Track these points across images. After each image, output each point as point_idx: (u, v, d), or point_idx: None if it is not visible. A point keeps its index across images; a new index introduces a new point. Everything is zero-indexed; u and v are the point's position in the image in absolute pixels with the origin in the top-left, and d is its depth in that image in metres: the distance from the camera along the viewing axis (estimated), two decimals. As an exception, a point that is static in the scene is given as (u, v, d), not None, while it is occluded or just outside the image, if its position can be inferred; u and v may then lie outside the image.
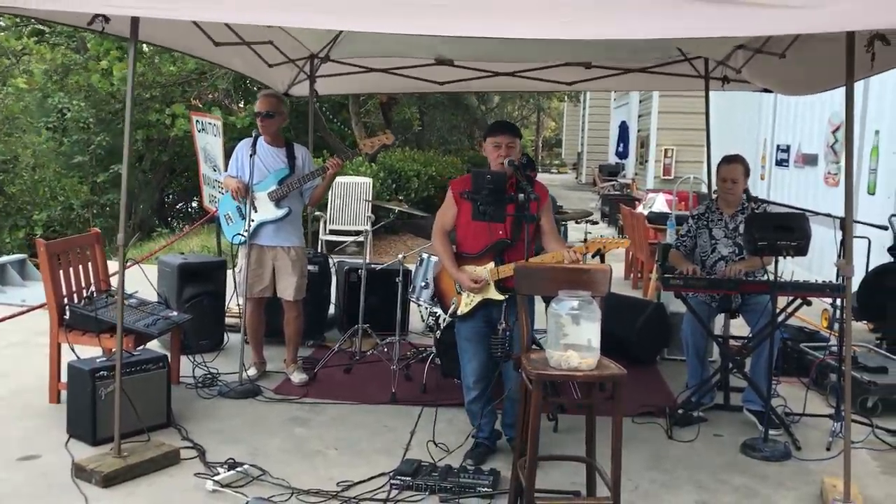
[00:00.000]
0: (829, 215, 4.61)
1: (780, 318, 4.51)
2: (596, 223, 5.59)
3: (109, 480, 3.66)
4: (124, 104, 13.83)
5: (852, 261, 3.67)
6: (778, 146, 10.33)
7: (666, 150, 15.46)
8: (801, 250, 4.19)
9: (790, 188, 9.88)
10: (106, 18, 3.81)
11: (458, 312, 4.10)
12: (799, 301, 4.52)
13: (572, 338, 3.22)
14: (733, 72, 5.89)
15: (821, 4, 3.00)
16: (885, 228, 5.25)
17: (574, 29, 3.06)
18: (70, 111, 13.84)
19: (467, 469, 3.93)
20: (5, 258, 8.22)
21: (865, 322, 6.80)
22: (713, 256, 5.02)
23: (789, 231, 4.17)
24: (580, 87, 6.95)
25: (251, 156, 4.92)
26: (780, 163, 10.21)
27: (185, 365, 5.33)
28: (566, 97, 33.91)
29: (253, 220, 5.02)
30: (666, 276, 4.65)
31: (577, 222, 5.46)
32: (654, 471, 4.12)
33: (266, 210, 5.05)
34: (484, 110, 31.83)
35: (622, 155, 21.62)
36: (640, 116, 17.95)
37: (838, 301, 6.90)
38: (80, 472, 3.72)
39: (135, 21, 3.80)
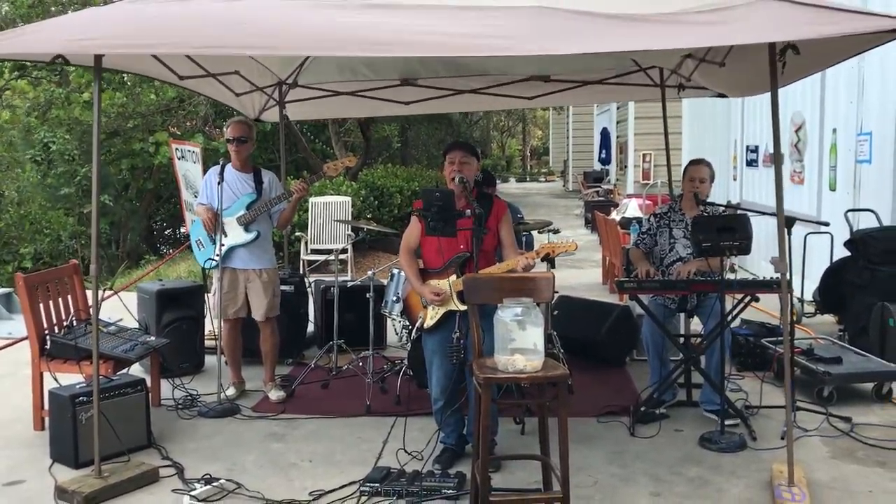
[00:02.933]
0: (772, 214, 4.80)
1: (730, 317, 4.70)
2: (557, 231, 5.79)
3: (90, 501, 3.83)
4: (108, 135, 14.14)
5: (786, 258, 3.87)
6: (747, 147, 10.56)
7: (644, 155, 15.71)
8: (744, 250, 4.40)
9: (760, 187, 10.11)
10: (66, 60, 4.04)
11: (425, 326, 4.30)
12: (748, 298, 4.72)
13: (519, 342, 3.41)
14: (686, 79, 6.10)
15: (733, 20, 3.31)
16: (827, 224, 5.45)
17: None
18: (55, 144, 14.04)
19: (434, 473, 4.10)
20: (-9, 292, 8.39)
21: (832, 315, 7.02)
22: (671, 256, 5.21)
23: (731, 232, 4.37)
24: (540, 101, 7.17)
25: (219, 183, 5.12)
26: (750, 163, 10.43)
27: (167, 388, 5.50)
28: (550, 106, 34.18)
29: (224, 245, 5.21)
30: (619, 280, 4.85)
31: (539, 231, 5.67)
32: (613, 466, 4.30)
33: (236, 234, 5.24)
34: (468, 123, 32.13)
35: (604, 161, 21.89)
36: (618, 122, 18.22)
37: (798, 296, 7.16)
38: (62, 494, 3.90)
39: (98, 60, 4.00)
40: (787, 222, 4.79)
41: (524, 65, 6.42)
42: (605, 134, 22.04)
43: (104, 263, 15.24)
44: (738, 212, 4.93)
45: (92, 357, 4.67)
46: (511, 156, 52.85)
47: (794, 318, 7.31)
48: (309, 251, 9.74)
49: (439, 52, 3.46)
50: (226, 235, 5.23)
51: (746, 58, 4.66)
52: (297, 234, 9.70)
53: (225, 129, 5.57)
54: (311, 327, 6.89)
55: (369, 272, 5.63)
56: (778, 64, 3.77)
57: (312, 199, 10.35)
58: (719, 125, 12.13)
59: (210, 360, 6.21)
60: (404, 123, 21.37)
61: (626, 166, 16.85)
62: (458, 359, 3.84)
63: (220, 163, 5.21)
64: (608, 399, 5.31)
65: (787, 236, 4.75)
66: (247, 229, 5.25)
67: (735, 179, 11.15)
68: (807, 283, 7.19)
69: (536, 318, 3.40)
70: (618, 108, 18.17)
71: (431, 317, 4.22)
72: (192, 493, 3.90)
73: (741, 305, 4.76)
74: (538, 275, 3.61)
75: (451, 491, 3.91)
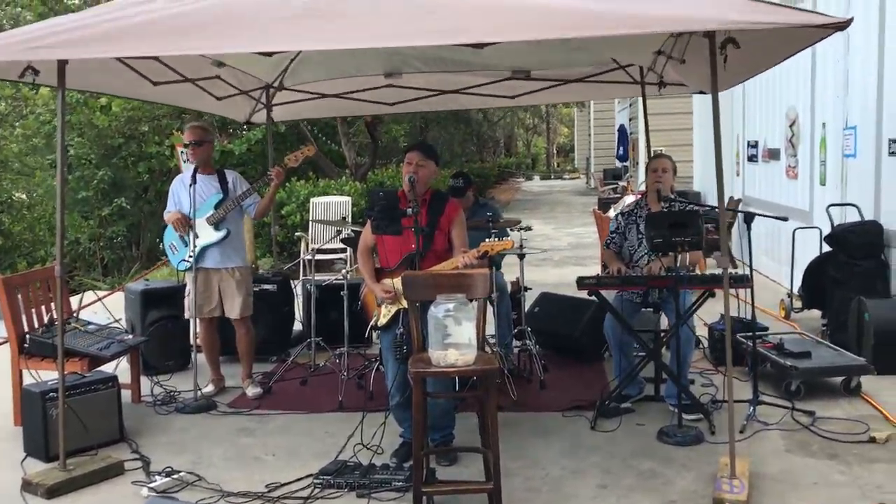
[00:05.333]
0: (712, 207, 4.84)
1: (688, 312, 4.75)
2: (529, 229, 5.89)
3: (53, 492, 3.99)
4: (126, 138, 14.46)
5: (728, 252, 3.91)
6: (748, 142, 10.52)
7: (654, 152, 15.65)
8: (696, 245, 4.44)
9: (760, 183, 10.07)
10: (35, 71, 4.18)
11: (378, 324, 4.41)
12: (706, 294, 4.76)
13: (454, 337, 3.50)
14: (660, 76, 6.13)
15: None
16: (785, 219, 5.44)
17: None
18: (73, 148, 14.40)
19: (389, 466, 4.21)
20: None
21: (817, 309, 6.99)
22: (640, 251, 5.26)
23: (683, 228, 4.41)
24: (523, 100, 7.23)
25: (191, 185, 5.28)
26: (751, 158, 10.40)
27: (151, 385, 5.67)
28: (573, 103, 34.14)
29: (196, 247, 5.36)
30: (580, 276, 4.92)
31: (511, 229, 5.76)
32: (568, 459, 4.37)
33: (206, 234, 5.39)
34: (490, 122, 32.17)
35: (622, 158, 21.84)
36: (630, 119, 18.18)
37: (787, 291, 7.16)
38: (27, 486, 4.06)
39: (61, 69, 4.13)
40: (746, 217, 4.87)
41: (503, 59, 6.43)
42: (622, 131, 21.98)
43: (122, 265, 15.60)
44: (689, 208, 4.96)
45: (70, 354, 4.89)
46: (537, 154, 52.91)
47: (784, 314, 7.33)
48: (309, 250, 9.86)
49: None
50: (197, 237, 5.39)
51: (704, 54, 4.69)
52: (297, 234, 9.85)
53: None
54: (298, 326, 7.02)
55: (342, 271, 5.75)
56: (720, 57, 3.79)
57: (313, 200, 10.51)
58: (724, 121, 12.08)
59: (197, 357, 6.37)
60: (421, 124, 21.49)
61: (637, 163, 16.80)
62: (402, 354, 3.94)
63: (192, 168, 5.37)
64: (579, 394, 5.37)
65: (744, 230, 4.81)
66: (217, 228, 5.39)
67: (738, 175, 11.11)
68: (796, 278, 7.18)
69: (469, 314, 3.49)
70: (630, 105, 18.12)
71: (385, 315, 4.33)
72: (151, 484, 4.04)
73: (699, 301, 4.80)
74: (474, 271, 3.70)
75: (400, 483, 4.00)
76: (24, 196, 15.17)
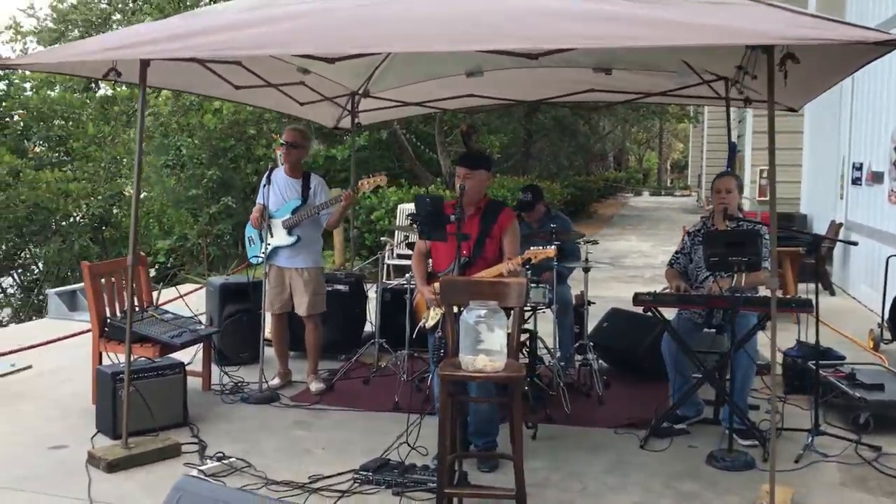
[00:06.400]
0: (802, 232, 4.68)
1: (745, 336, 4.62)
2: (596, 243, 5.86)
3: (113, 467, 4.26)
4: (235, 140, 15.12)
5: (776, 273, 3.79)
6: (853, 164, 10.07)
7: (761, 171, 15.17)
8: (753, 266, 4.32)
9: (863, 206, 9.62)
10: (118, 72, 4.48)
11: (426, 325, 4.50)
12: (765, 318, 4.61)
13: (487, 343, 3.54)
14: (740, 91, 5.97)
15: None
16: (855, 244, 5.17)
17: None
18: (186, 148, 15.20)
19: (429, 468, 4.27)
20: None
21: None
22: (704, 272, 5.14)
23: (741, 247, 4.30)
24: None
25: (264, 185, 5.52)
26: (855, 181, 9.95)
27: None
28: (686, 118, 33.47)
29: (269, 244, 5.60)
30: (636, 293, 4.86)
31: (577, 242, 5.76)
32: (610, 475, 4.32)
33: (280, 236, 5.62)
34: (598, 136, 31.83)
35: (730, 176, 21.16)
36: (738, 137, 17.63)
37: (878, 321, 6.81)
38: (91, 459, 4.35)
39: (143, 67, 4.39)
40: (815, 240, 4.69)
41: (588, 54, 6.31)
42: (732, 148, 21.27)
43: (227, 261, 16.30)
44: (755, 227, 4.81)
45: (143, 340, 5.20)
46: (649, 169, 52.01)
47: (873, 345, 6.99)
48: (395, 256, 10.07)
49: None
50: (272, 236, 5.62)
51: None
52: (383, 238, 10.07)
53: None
54: (370, 327, 7.17)
55: (407, 275, 5.87)
56: (779, 74, 3.70)
57: (401, 206, 10.72)
58: (830, 142, 11.61)
59: (269, 351, 6.61)
60: (524, 135, 21.54)
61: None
62: (438, 357, 4.00)
63: (269, 167, 5.62)
64: (635, 412, 5.29)
65: (846, 257, 4.65)
66: (289, 233, 5.60)
67: (841, 198, 10.64)
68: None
69: (501, 321, 3.52)
70: (739, 122, 17.60)
71: (432, 317, 4.42)
72: (202, 467, 4.25)
73: (758, 325, 4.66)
74: (510, 280, 3.73)
75: (434, 485, 4.05)
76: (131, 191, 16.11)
